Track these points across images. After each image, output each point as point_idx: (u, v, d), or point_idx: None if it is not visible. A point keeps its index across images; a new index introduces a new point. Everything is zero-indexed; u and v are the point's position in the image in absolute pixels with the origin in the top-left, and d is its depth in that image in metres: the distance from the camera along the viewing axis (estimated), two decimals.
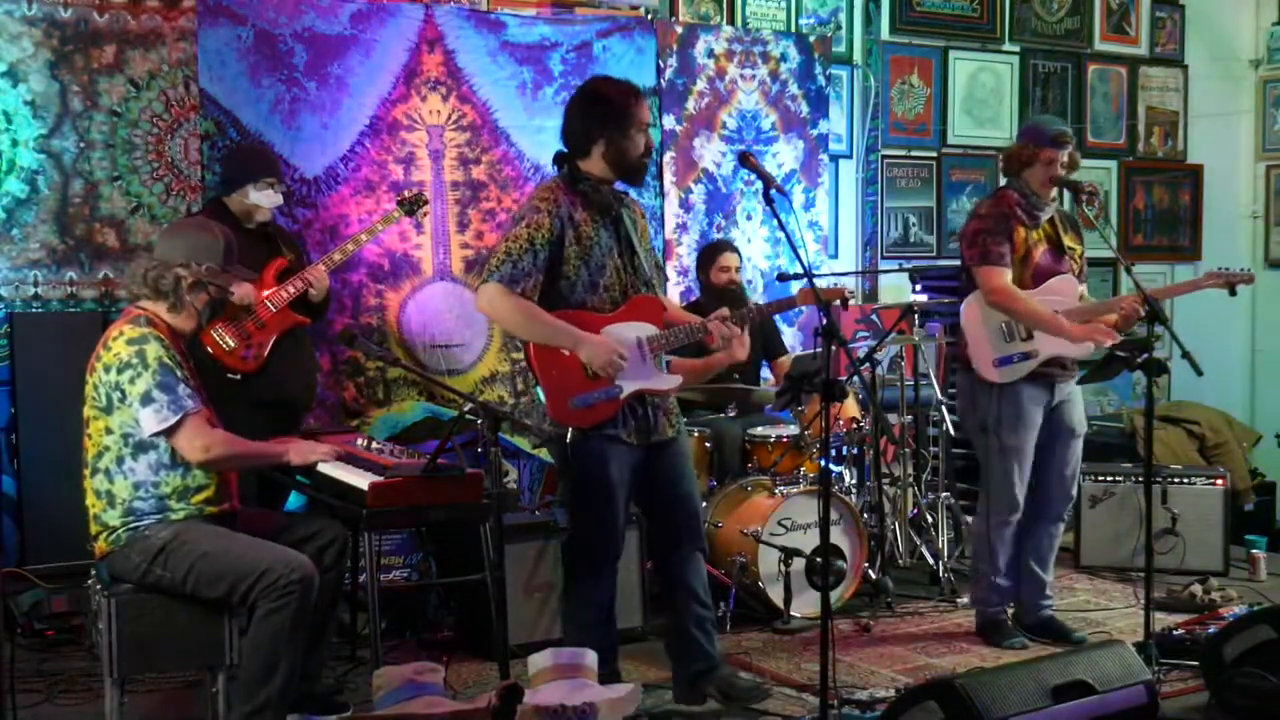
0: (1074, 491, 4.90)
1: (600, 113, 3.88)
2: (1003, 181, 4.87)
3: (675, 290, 6.30)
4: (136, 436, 3.56)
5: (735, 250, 5.92)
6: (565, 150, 3.96)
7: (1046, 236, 4.74)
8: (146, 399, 3.51)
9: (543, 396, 3.86)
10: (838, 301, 4.36)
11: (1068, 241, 4.77)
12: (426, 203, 5.15)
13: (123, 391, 3.53)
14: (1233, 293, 4.71)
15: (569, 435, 3.83)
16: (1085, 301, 4.77)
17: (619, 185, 4.01)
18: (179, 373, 3.58)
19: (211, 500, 3.67)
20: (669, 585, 4.13)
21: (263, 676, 3.52)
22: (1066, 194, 4.79)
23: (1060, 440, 4.79)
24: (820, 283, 4.19)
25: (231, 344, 4.55)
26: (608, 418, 3.85)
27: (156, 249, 3.80)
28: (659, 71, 6.19)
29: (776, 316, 6.17)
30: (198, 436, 3.56)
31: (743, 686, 4.09)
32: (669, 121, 6.27)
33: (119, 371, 3.53)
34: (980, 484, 4.86)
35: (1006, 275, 4.64)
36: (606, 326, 3.87)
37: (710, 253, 5.88)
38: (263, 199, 4.69)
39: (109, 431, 3.57)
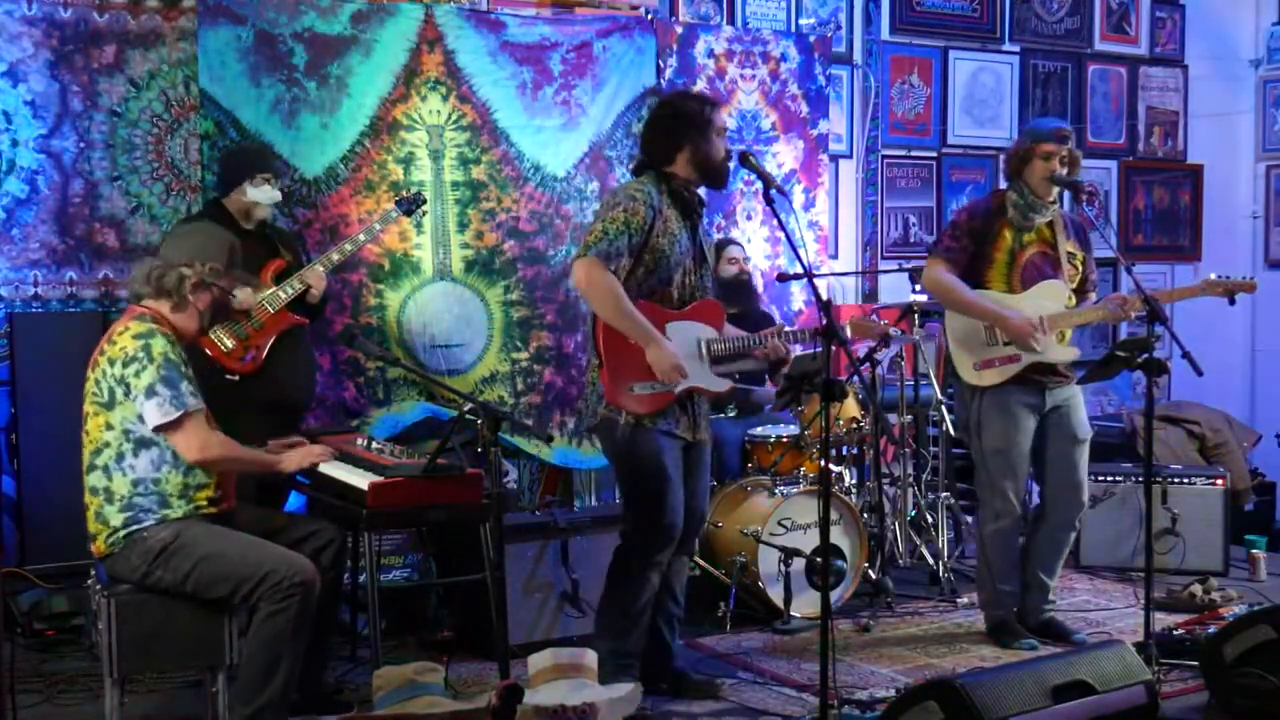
0: (1084, 498, 4.84)
1: (684, 122, 4.07)
2: (1004, 185, 4.85)
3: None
4: (138, 432, 3.56)
5: (738, 244, 5.96)
6: (646, 160, 4.12)
7: (1041, 240, 4.71)
8: (151, 392, 3.52)
9: (599, 378, 3.97)
10: (878, 340, 4.84)
11: (1068, 248, 4.73)
12: (424, 202, 5.15)
13: (127, 385, 3.54)
14: (1232, 301, 4.68)
15: (621, 424, 3.94)
16: (1071, 308, 4.71)
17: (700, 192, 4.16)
18: (183, 369, 3.60)
19: (212, 499, 3.68)
20: None
21: (263, 678, 3.52)
22: (1068, 198, 4.77)
23: (1061, 446, 4.76)
24: (820, 283, 4.24)
25: (230, 345, 4.55)
26: (660, 409, 3.97)
27: (162, 250, 3.83)
28: (659, 71, 6.18)
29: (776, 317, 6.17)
30: (196, 436, 3.57)
31: (694, 680, 4.23)
32: None
33: (124, 365, 3.54)
34: (976, 487, 4.86)
35: (945, 268, 4.67)
36: (672, 322, 4.01)
37: (714, 250, 5.92)
38: (260, 195, 4.70)
39: (109, 427, 3.57)
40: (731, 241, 6.01)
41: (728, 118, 6.43)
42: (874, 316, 6.02)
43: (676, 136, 4.07)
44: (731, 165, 4.15)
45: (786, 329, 4.26)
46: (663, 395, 3.97)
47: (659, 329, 3.96)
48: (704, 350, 4.06)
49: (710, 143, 4.07)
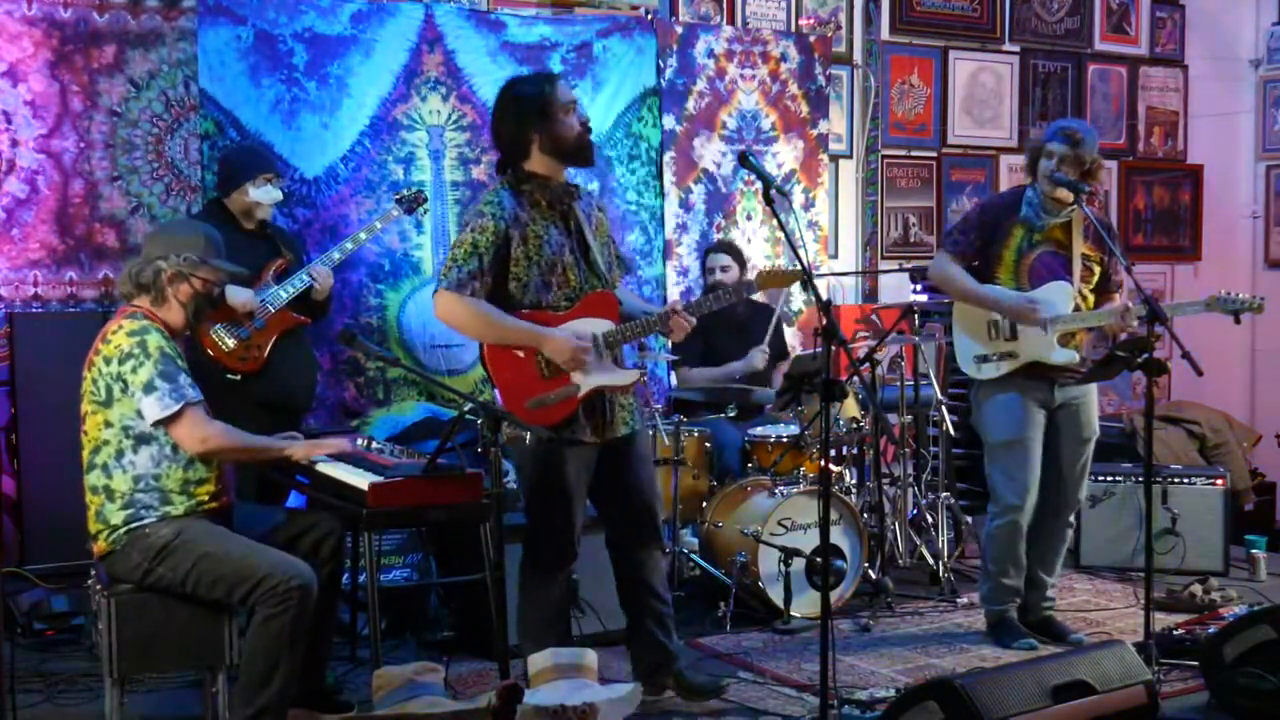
0: (1082, 495, 4.86)
1: (522, 108, 3.85)
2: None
3: (675, 290, 6.30)
4: (137, 429, 3.56)
5: (728, 250, 5.96)
6: (506, 158, 3.94)
7: (1053, 240, 4.70)
8: (149, 387, 3.52)
9: (499, 398, 3.86)
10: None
11: (1083, 250, 4.71)
12: (425, 201, 5.14)
13: (124, 382, 3.54)
14: (1237, 320, 4.61)
15: (526, 440, 3.83)
16: (1078, 311, 4.69)
17: (571, 176, 3.97)
18: (180, 362, 3.60)
19: (213, 494, 3.68)
20: (626, 583, 4.14)
21: (262, 681, 3.52)
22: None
23: (1067, 443, 4.76)
24: (820, 283, 4.19)
25: (231, 345, 4.56)
26: (565, 417, 3.84)
27: (143, 250, 3.82)
28: (659, 71, 6.19)
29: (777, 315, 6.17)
30: (197, 427, 3.57)
31: (698, 681, 4.14)
32: (669, 121, 6.27)
33: (120, 362, 3.54)
34: (987, 481, 4.86)
35: (951, 259, 4.69)
36: (561, 325, 3.86)
37: (704, 255, 6.03)
38: (262, 195, 4.70)
39: (108, 425, 3.57)
40: (719, 245, 6.02)
41: (728, 118, 6.44)
42: (874, 317, 6.04)
43: (522, 126, 3.84)
44: (589, 137, 3.91)
45: (682, 303, 3.98)
46: (565, 404, 3.83)
47: None
48: (601, 344, 3.88)
49: (559, 123, 3.82)
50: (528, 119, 3.84)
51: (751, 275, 4.11)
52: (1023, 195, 4.71)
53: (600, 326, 3.90)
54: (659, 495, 4.21)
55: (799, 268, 3.73)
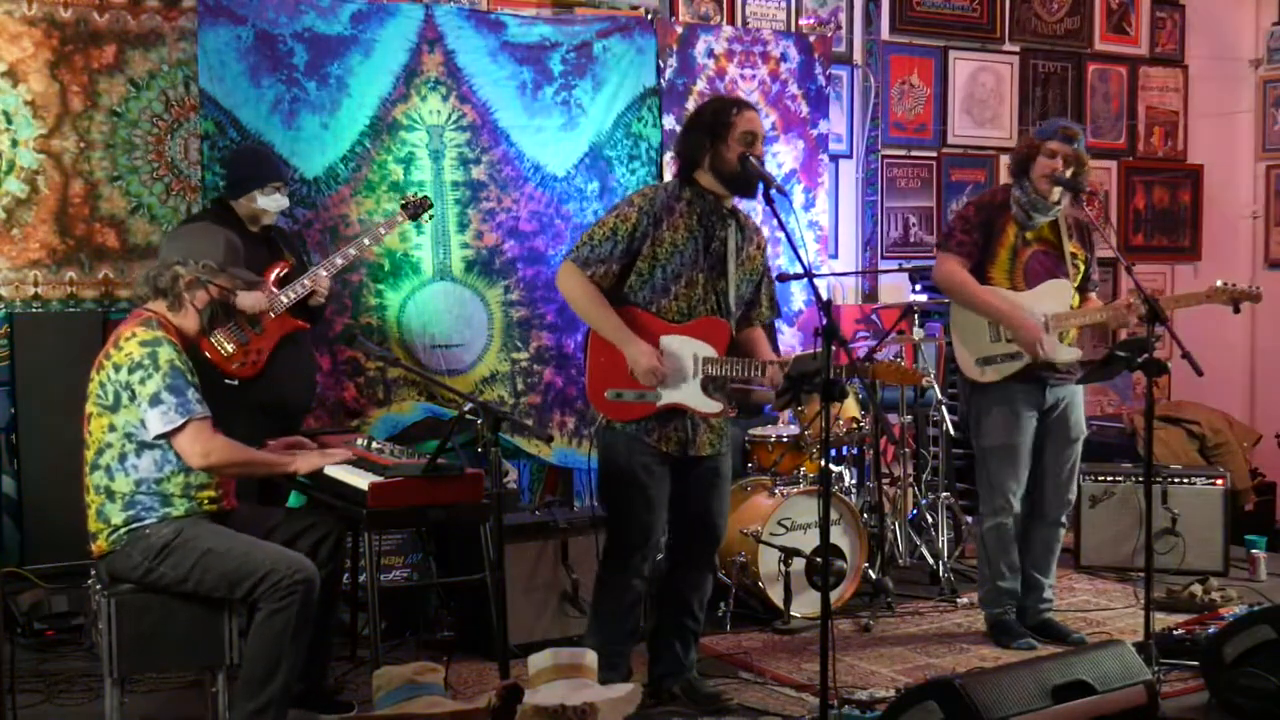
0: (1072, 496, 4.88)
1: (702, 126, 4.01)
2: (1008, 182, 4.83)
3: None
4: (140, 436, 3.57)
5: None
6: (682, 165, 4.07)
7: (1043, 239, 4.71)
8: (156, 400, 3.52)
9: (585, 378, 4.00)
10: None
11: (1070, 248, 4.73)
12: (431, 207, 5.13)
13: (132, 391, 3.54)
14: (1236, 310, 4.64)
15: (600, 425, 3.99)
16: (1077, 308, 4.71)
17: (738, 202, 4.08)
18: (189, 377, 3.60)
19: (213, 498, 3.68)
20: (667, 592, 4.20)
21: (265, 677, 3.52)
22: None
23: (1057, 444, 4.77)
24: (820, 283, 4.20)
25: (230, 349, 4.55)
26: (636, 419, 3.95)
27: (160, 252, 3.83)
28: (659, 71, 6.19)
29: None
30: (199, 441, 3.57)
31: (704, 691, 4.17)
32: (669, 121, 6.26)
33: (130, 371, 3.54)
34: (978, 484, 4.86)
35: (957, 263, 4.65)
36: (666, 335, 3.94)
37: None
38: (270, 204, 4.71)
39: (112, 429, 3.58)
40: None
41: None
42: (874, 317, 6.04)
43: (695, 143, 4.01)
44: (758, 172, 3.98)
45: (787, 358, 4.10)
46: (641, 406, 3.93)
47: (652, 340, 3.91)
48: (698, 367, 3.97)
49: (728, 148, 3.94)
50: (702, 135, 3.99)
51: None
52: (1009, 195, 4.71)
53: (702, 350, 3.98)
54: (726, 523, 4.24)
55: (920, 371, 3.93)
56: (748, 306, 4.13)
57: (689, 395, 3.97)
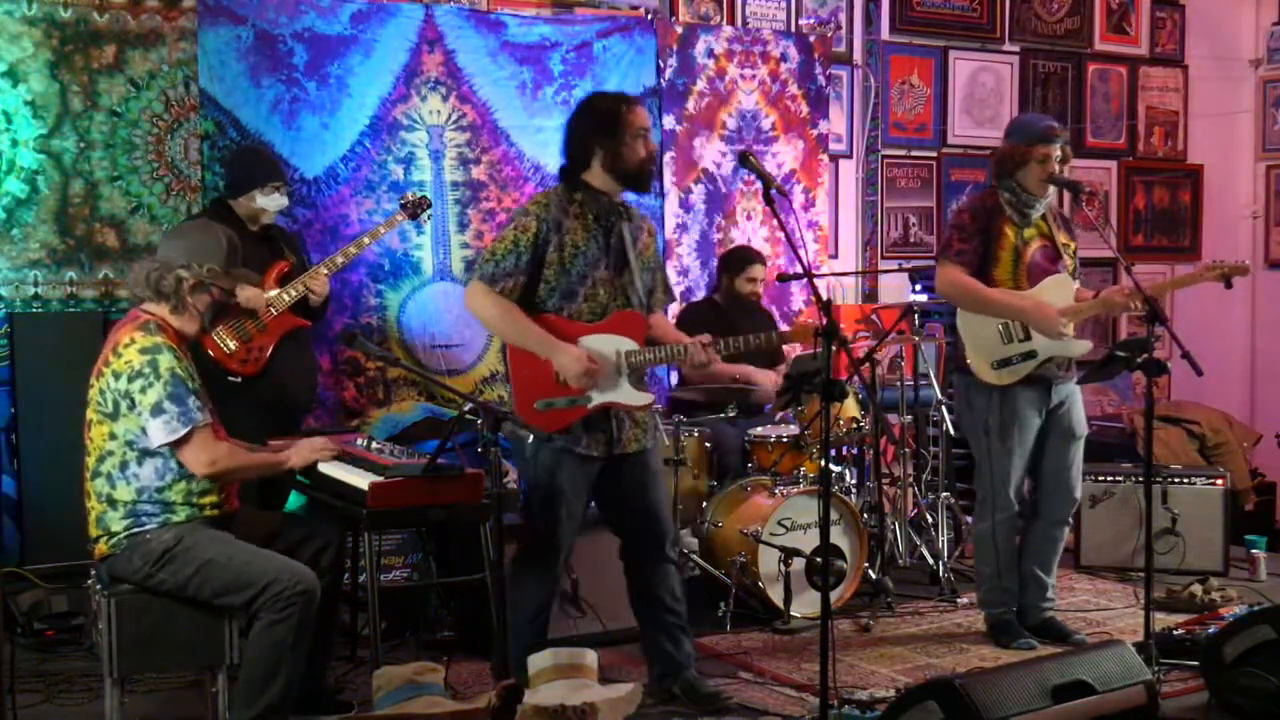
0: (1077, 494, 4.87)
1: (594, 122, 3.93)
2: (991, 185, 4.83)
3: (674, 290, 6.29)
4: (141, 444, 3.55)
5: (763, 262, 5.91)
6: (568, 164, 4.00)
7: (1041, 234, 4.72)
8: (158, 410, 3.50)
9: (511, 393, 3.92)
10: None
11: (1061, 239, 4.75)
12: (430, 206, 5.14)
13: (133, 400, 3.51)
14: (1228, 285, 4.66)
15: (527, 439, 3.90)
16: (1082, 302, 4.72)
17: (628, 196, 4.04)
18: (190, 384, 3.57)
19: (216, 503, 3.67)
20: (637, 594, 4.18)
21: (263, 684, 3.52)
22: (1066, 195, 4.78)
23: (1060, 443, 4.77)
24: (820, 283, 4.19)
25: (233, 346, 4.55)
26: (565, 426, 3.89)
27: (159, 251, 3.78)
28: (659, 71, 6.19)
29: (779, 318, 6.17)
30: (204, 451, 3.55)
31: (704, 691, 4.14)
32: (669, 121, 6.27)
33: (130, 380, 3.51)
34: (977, 485, 4.86)
35: (960, 271, 4.64)
36: (584, 337, 3.91)
37: (739, 262, 5.86)
38: (269, 203, 4.72)
39: (112, 437, 3.55)
40: (759, 257, 5.91)
41: (728, 118, 6.44)
42: (874, 317, 6.04)
43: (589, 137, 3.92)
44: (652, 167, 4.01)
45: (707, 339, 4.01)
46: (574, 411, 3.87)
47: (571, 343, 3.88)
48: (623, 363, 3.94)
49: (625, 146, 3.90)
50: (596, 132, 3.92)
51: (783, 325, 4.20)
52: (999, 197, 4.70)
53: (623, 345, 3.95)
54: (667, 511, 4.24)
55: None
56: (647, 294, 4.11)
57: (620, 392, 3.95)
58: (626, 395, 3.97)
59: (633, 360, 3.95)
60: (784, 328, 4.33)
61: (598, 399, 3.91)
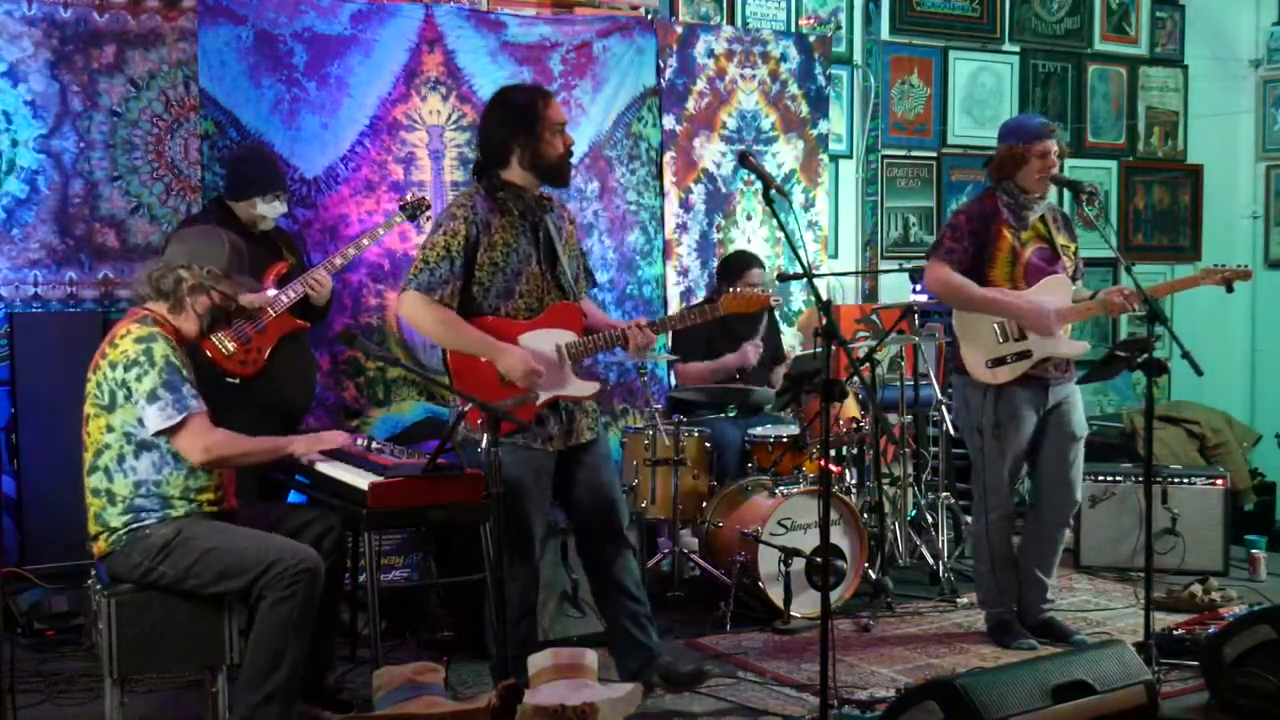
0: (1077, 495, 4.86)
1: (511, 119, 3.91)
2: (989, 186, 4.82)
3: (674, 290, 6.30)
4: (138, 435, 3.56)
5: (762, 266, 5.88)
6: (485, 162, 3.98)
7: (1038, 235, 4.72)
8: (152, 396, 3.52)
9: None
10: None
11: (1060, 240, 4.75)
12: (429, 207, 5.14)
13: (129, 389, 3.53)
14: (1230, 289, 4.68)
15: (483, 440, 3.82)
16: (1080, 302, 4.72)
17: (547, 190, 4.04)
18: (184, 373, 3.59)
19: (213, 500, 3.68)
20: (599, 584, 4.19)
21: (269, 667, 3.51)
22: (1065, 194, 4.78)
23: (1059, 444, 4.77)
24: (820, 283, 4.18)
25: (231, 348, 4.55)
26: (523, 422, 3.87)
27: (165, 251, 3.82)
28: (659, 71, 6.19)
29: (777, 319, 6.17)
30: (199, 437, 3.56)
31: (683, 671, 4.14)
32: (669, 121, 6.27)
33: (125, 369, 3.53)
34: (973, 485, 4.86)
35: (950, 269, 4.63)
36: (524, 334, 3.92)
37: (738, 266, 5.79)
38: (269, 210, 4.74)
39: (110, 429, 3.57)
40: (757, 261, 5.86)
41: (728, 118, 6.44)
42: (874, 317, 6.04)
43: (506, 133, 3.90)
44: (569, 161, 4.00)
45: (644, 321, 4.05)
46: (524, 409, 3.84)
47: (512, 343, 3.88)
48: (563, 355, 3.96)
49: (544, 141, 3.89)
50: (513, 129, 3.91)
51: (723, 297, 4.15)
52: (996, 199, 4.70)
53: (563, 338, 3.97)
54: (621, 496, 4.25)
55: (767, 293, 3.90)
56: (575, 282, 4.11)
57: (567, 385, 3.98)
58: (574, 387, 4.00)
59: (574, 351, 3.97)
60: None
61: (545, 395, 3.93)
